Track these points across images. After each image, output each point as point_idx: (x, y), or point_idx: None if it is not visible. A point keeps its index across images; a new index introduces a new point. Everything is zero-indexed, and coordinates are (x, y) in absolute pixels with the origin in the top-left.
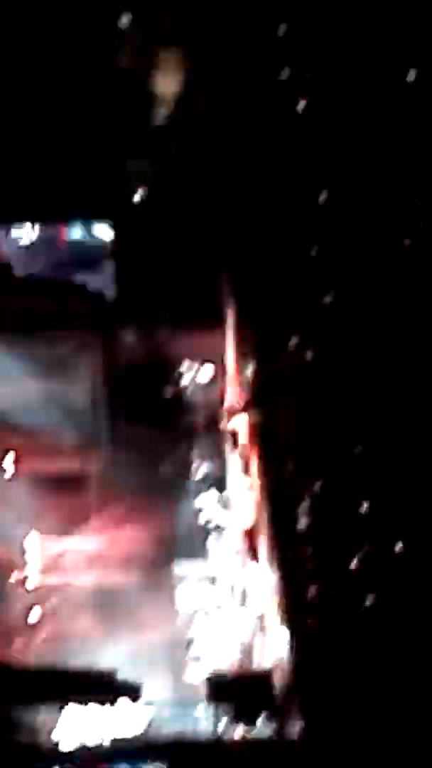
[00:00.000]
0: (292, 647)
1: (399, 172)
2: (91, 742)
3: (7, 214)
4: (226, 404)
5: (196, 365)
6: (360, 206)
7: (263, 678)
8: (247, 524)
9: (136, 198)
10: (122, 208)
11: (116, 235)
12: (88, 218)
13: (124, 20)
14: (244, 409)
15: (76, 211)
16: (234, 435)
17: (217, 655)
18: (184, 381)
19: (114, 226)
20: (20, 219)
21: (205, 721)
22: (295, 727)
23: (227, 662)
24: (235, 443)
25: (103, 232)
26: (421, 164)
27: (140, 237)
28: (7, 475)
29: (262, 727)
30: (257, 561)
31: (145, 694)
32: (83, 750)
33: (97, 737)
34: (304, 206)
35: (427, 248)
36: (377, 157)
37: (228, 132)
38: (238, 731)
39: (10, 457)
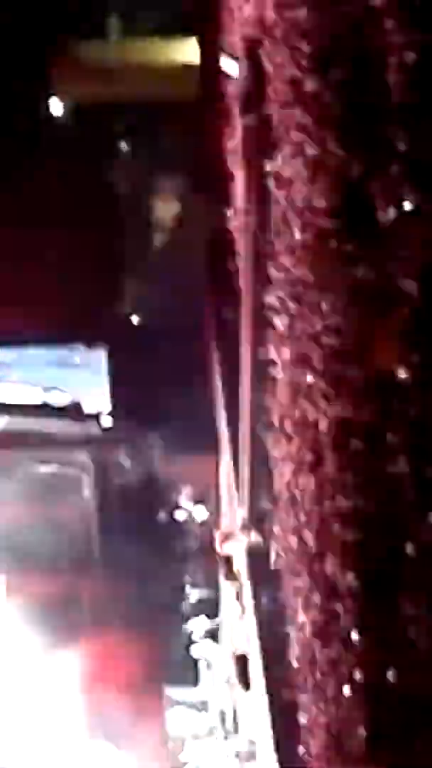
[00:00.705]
0: None
1: None
2: None
3: None
4: (221, 528)
5: (190, 488)
6: None
7: None
8: (240, 651)
9: (133, 320)
10: (118, 327)
11: (111, 357)
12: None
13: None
14: (238, 533)
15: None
16: (228, 559)
17: None
18: (178, 504)
19: (109, 349)
20: None
21: None
22: None
23: None
24: (228, 568)
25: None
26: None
27: (136, 359)
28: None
29: None
30: (248, 687)
31: None
32: None
33: None
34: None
35: None
36: None
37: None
38: None
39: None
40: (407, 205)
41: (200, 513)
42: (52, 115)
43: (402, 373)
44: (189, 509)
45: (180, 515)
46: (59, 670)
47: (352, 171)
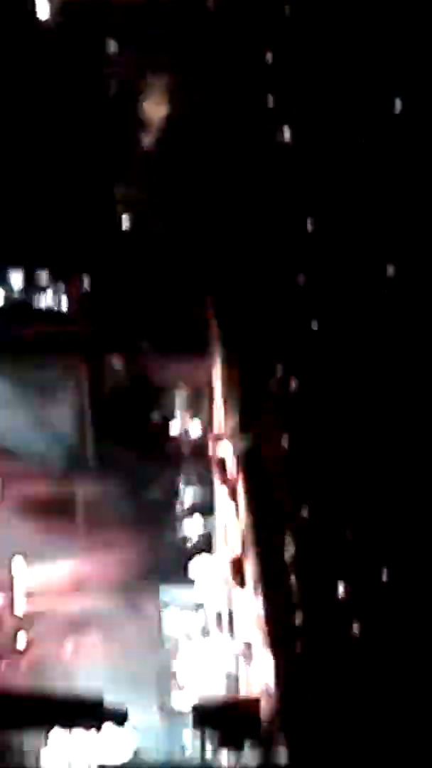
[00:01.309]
0: (278, 675)
1: (387, 198)
2: (78, 767)
3: None
4: (213, 430)
5: (182, 391)
6: (347, 234)
7: (250, 705)
8: (234, 551)
9: (124, 224)
10: (109, 233)
11: (99, 261)
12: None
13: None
14: (231, 435)
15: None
16: (221, 461)
17: (203, 682)
18: (171, 406)
19: (100, 253)
20: None
21: (191, 747)
22: (281, 755)
23: (213, 689)
24: (221, 470)
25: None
26: (409, 192)
27: (123, 263)
28: None
29: (249, 754)
30: (244, 588)
31: (131, 721)
32: None
33: (83, 762)
34: (290, 232)
35: (412, 277)
36: (365, 184)
37: (214, 156)
38: (225, 758)
39: None
40: None
41: (193, 416)
42: (39, 14)
43: None
44: (182, 411)
45: (173, 417)
46: (54, 571)
47: None
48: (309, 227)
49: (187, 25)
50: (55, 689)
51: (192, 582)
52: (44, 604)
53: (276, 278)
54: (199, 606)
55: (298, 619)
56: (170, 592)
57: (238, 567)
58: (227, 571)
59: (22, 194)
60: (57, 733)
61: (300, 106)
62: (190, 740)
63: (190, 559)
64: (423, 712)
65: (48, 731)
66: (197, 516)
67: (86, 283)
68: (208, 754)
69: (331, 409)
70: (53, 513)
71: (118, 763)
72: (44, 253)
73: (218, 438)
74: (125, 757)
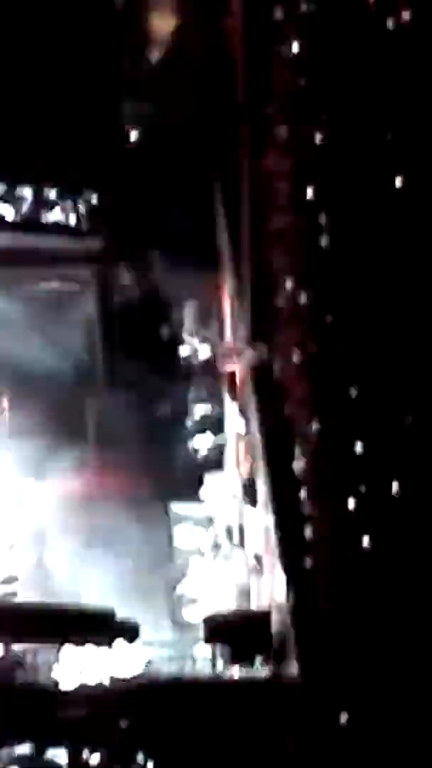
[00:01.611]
0: (288, 588)
1: (400, 107)
2: (90, 681)
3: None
4: (224, 344)
5: (192, 305)
6: (357, 144)
7: (260, 619)
8: (245, 465)
9: (131, 138)
10: (117, 148)
11: (110, 175)
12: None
13: None
14: (241, 349)
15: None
16: (231, 375)
17: (214, 596)
18: (181, 321)
19: (108, 168)
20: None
21: (202, 661)
22: (292, 668)
23: (224, 603)
24: (232, 384)
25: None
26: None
27: (134, 177)
28: (5, 419)
29: (259, 667)
30: (254, 502)
31: (142, 635)
32: (83, 689)
33: (95, 676)
34: (302, 144)
35: (424, 188)
36: (376, 94)
37: (223, 66)
38: (235, 672)
39: (7, 401)
40: None
41: (203, 329)
42: None
43: None
44: (192, 326)
45: (183, 332)
46: (64, 487)
47: None
48: (318, 139)
49: None
50: (66, 605)
51: (203, 498)
52: (55, 519)
53: (286, 188)
54: (210, 521)
55: (309, 533)
56: (181, 508)
57: (248, 480)
58: (238, 486)
59: (30, 110)
60: (69, 648)
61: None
62: (201, 654)
63: (200, 475)
64: None
65: (60, 647)
66: (208, 432)
67: (95, 197)
68: (220, 668)
69: (343, 323)
70: (64, 429)
71: (130, 676)
72: (54, 169)
73: (229, 352)
74: (137, 671)
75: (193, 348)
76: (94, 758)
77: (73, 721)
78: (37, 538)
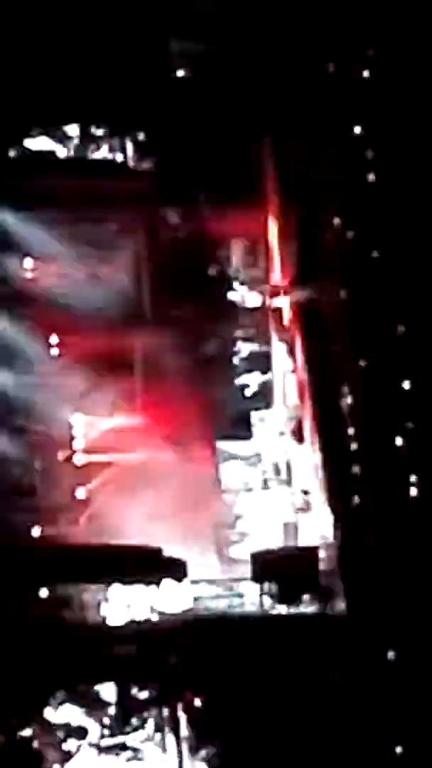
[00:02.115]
0: (336, 525)
1: None
2: (139, 620)
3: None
4: (271, 283)
5: (239, 243)
6: (406, 84)
7: (308, 556)
8: (292, 403)
9: (179, 75)
10: (164, 86)
11: (159, 113)
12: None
13: None
14: (289, 287)
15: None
16: (278, 314)
17: (262, 533)
18: (228, 259)
19: (156, 106)
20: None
21: (250, 599)
22: (339, 605)
23: (272, 541)
24: (279, 322)
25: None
26: None
27: (182, 115)
28: (54, 355)
29: (307, 604)
30: (302, 440)
31: (190, 573)
32: (131, 626)
33: (143, 613)
34: (349, 82)
35: None
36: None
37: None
38: (283, 609)
39: (56, 337)
40: None
41: (250, 268)
42: None
43: None
44: (239, 265)
45: (230, 271)
46: (113, 426)
47: None
48: (365, 75)
49: None
50: (114, 544)
51: (251, 435)
52: (104, 458)
53: (334, 128)
54: (258, 459)
55: (356, 470)
56: (228, 446)
57: (296, 418)
58: (285, 424)
59: (78, 47)
60: (117, 587)
61: None
62: (248, 591)
63: (248, 413)
64: None
65: (108, 586)
66: (255, 370)
67: (143, 135)
68: (268, 605)
69: (390, 261)
70: (111, 368)
71: (178, 613)
72: (101, 107)
73: (276, 291)
74: (184, 608)
75: (240, 287)
76: (143, 694)
77: (122, 658)
78: (84, 476)
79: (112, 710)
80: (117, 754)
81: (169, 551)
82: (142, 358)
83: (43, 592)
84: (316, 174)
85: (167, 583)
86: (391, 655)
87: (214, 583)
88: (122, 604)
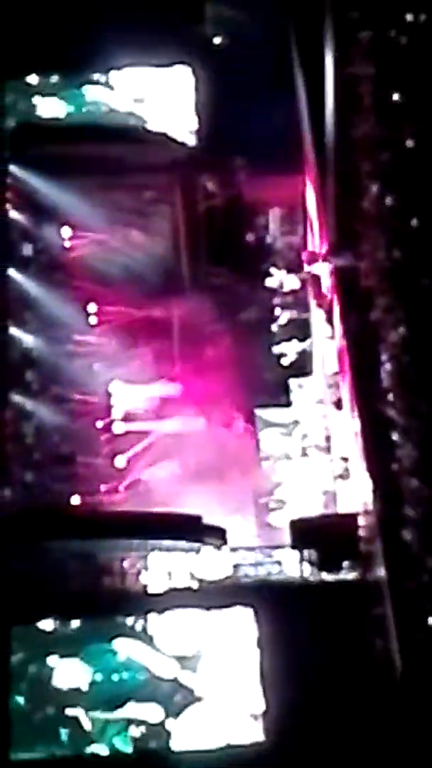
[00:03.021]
0: (375, 493)
1: None
2: (177, 586)
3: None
4: (308, 250)
5: (276, 210)
6: None
7: (347, 523)
8: (331, 371)
9: (216, 41)
10: (202, 52)
11: (195, 80)
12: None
13: None
14: (327, 254)
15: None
16: (317, 281)
17: (301, 500)
18: (266, 226)
19: (194, 71)
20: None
21: (289, 565)
22: (380, 572)
23: (311, 507)
24: (318, 290)
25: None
26: None
27: (220, 81)
28: (92, 324)
29: (346, 571)
30: (341, 408)
31: (230, 540)
32: (170, 593)
33: (183, 581)
34: (386, 48)
35: None
36: None
37: None
38: (323, 575)
39: (94, 305)
40: None
41: (288, 235)
42: None
43: None
44: (277, 232)
45: (268, 237)
46: (152, 394)
47: None
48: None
49: None
50: (153, 511)
51: (290, 403)
52: (143, 426)
53: (371, 93)
54: (297, 426)
55: (395, 437)
56: (267, 413)
57: (334, 386)
58: (324, 391)
59: (115, 12)
60: (156, 555)
61: None
62: (288, 558)
63: (287, 380)
64: None
65: (149, 552)
66: (294, 337)
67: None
68: (307, 572)
69: (429, 225)
70: (150, 336)
71: (217, 580)
72: (137, 74)
73: (314, 258)
74: (224, 575)
75: (278, 253)
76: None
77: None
78: (124, 444)
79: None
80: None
81: (208, 518)
82: (181, 325)
83: (84, 560)
84: (353, 140)
85: (207, 550)
86: (429, 620)
87: (254, 550)
88: (162, 572)
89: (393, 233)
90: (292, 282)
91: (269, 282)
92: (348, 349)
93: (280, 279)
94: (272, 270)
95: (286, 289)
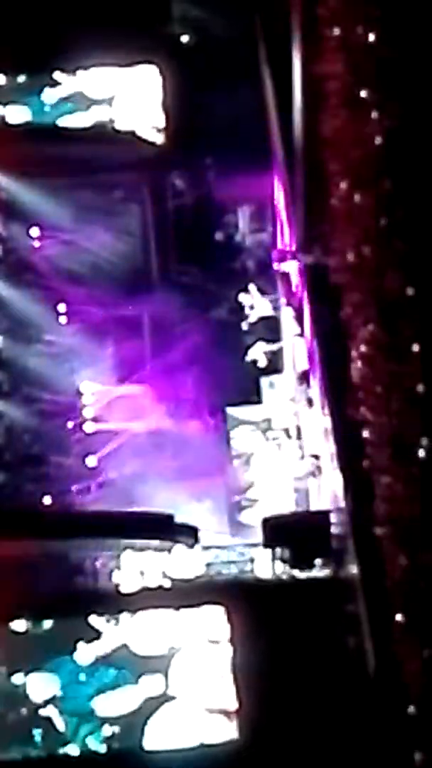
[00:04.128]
0: (347, 489)
1: None
2: (150, 585)
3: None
4: (278, 247)
5: (246, 208)
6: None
7: (319, 520)
8: (301, 368)
9: (183, 40)
10: (169, 51)
11: (162, 79)
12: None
13: None
14: (296, 252)
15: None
16: (286, 278)
17: (273, 498)
18: (235, 224)
19: (161, 70)
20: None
21: (261, 564)
22: (352, 569)
23: (283, 505)
24: (287, 287)
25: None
26: None
27: (186, 80)
28: (61, 323)
29: (319, 569)
30: (312, 405)
31: (201, 538)
32: (143, 592)
33: (155, 580)
34: (354, 44)
35: None
36: None
37: None
38: (295, 573)
39: (63, 305)
40: None
41: (258, 233)
42: None
43: None
44: (246, 230)
45: (237, 235)
46: (122, 393)
47: None
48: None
49: None
50: (125, 511)
51: (261, 401)
52: (113, 426)
53: (339, 90)
54: (268, 424)
55: (366, 435)
56: (238, 411)
57: (304, 383)
58: (294, 389)
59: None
60: (129, 553)
61: None
62: (260, 556)
63: (257, 378)
64: None
65: (120, 551)
66: (264, 335)
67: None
68: (279, 569)
69: (399, 222)
70: (120, 335)
71: (190, 578)
72: (105, 72)
73: (283, 255)
74: (196, 574)
75: (248, 250)
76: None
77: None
78: (95, 443)
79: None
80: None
81: (180, 517)
82: (150, 324)
83: (55, 560)
84: (321, 138)
85: (179, 549)
86: (399, 617)
87: (226, 549)
88: (134, 571)
89: (362, 230)
90: (261, 280)
91: (239, 280)
92: (318, 346)
93: (250, 276)
94: (242, 267)
95: (255, 287)
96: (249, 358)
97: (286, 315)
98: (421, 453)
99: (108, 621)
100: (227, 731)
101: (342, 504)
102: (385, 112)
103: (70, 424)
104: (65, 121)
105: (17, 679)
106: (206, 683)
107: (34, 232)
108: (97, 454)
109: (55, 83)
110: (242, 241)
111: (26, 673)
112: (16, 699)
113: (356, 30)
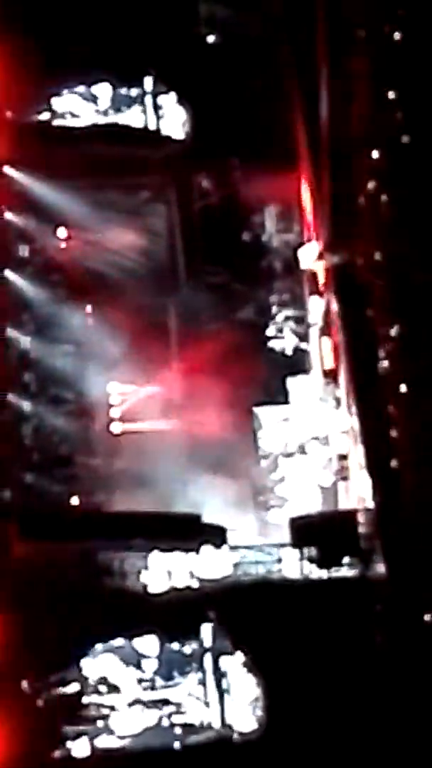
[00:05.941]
0: (374, 489)
1: None
2: (178, 585)
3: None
4: (305, 247)
5: (272, 208)
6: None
7: (347, 520)
8: (328, 367)
9: (209, 41)
10: (195, 51)
11: (189, 79)
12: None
13: None
14: (323, 251)
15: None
16: (313, 278)
17: (300, 498)
18: (262, 224)
19: (187, 71)
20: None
21: (289, 563)
22: (379, 568)
23: (311, 505)
24: (314, 286)
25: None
26: None
27: (213, 80)
28: (89, 325)
29: (347, 568)
30: (339, 405)
31: (229, 539)
32: (171, 592)
33: (184, 581)
34: (382, 44)
35: None
36: None
37: None
38: (323, 573)
39: (91, 306)
40: None
41: (284, 233)
42: None
43: None
44: (273, 229)
45: (264, 235)
46: (149, 393)
47: None
48: (397, 37)
49: None
50: (153, 511)
51: (288, 401)
52: (140, 426)
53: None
54: (295, 424)
55: (394, 434)
56: (266, 411)
57: (332, 383)
58: (322, 388)
59: (110, 10)
60: (156, 554)
61: None
62: (288, 556)
63: (285, 378)
64: None
65: (148, 551)
66: (291, 335)
67: (174, 101)
68: (307, 569)
69: (424, 223)
70: (147, 335)
71: (218, 578)
72: (132, 71)
73: (310, 255)
74: (224, 574)
75: (274, 250)
76: (186, 649)
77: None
78: (121, 442)
79: (153, 665)
80: (159, 708)
81: (208, 517)
82: (177, 324)
83: (84, 560)
84: (348, 138)
85: (207, 549)
86: (428, 617)
87: (254, 549)
88: (162, 571)
89: (389, 229)
90: (289, 280)
91: (266, 279)
92: (345, 345)
93: (277, 276)
94: (269, 267)
95: (283, 286)
96: (277, 357)
97: (314, 314)
98: None
99: (136, 619)
100: (254, 729)
101: (370, 503)
102: (410, 112)
103: (97, 425)
104: (94, 120)
105: None
106: (234, 682)
107: (61, 233)
108: (124, 454)
109: (87, 82)
110: (269, 241)
111: None
112: None
113: (383, 29)
